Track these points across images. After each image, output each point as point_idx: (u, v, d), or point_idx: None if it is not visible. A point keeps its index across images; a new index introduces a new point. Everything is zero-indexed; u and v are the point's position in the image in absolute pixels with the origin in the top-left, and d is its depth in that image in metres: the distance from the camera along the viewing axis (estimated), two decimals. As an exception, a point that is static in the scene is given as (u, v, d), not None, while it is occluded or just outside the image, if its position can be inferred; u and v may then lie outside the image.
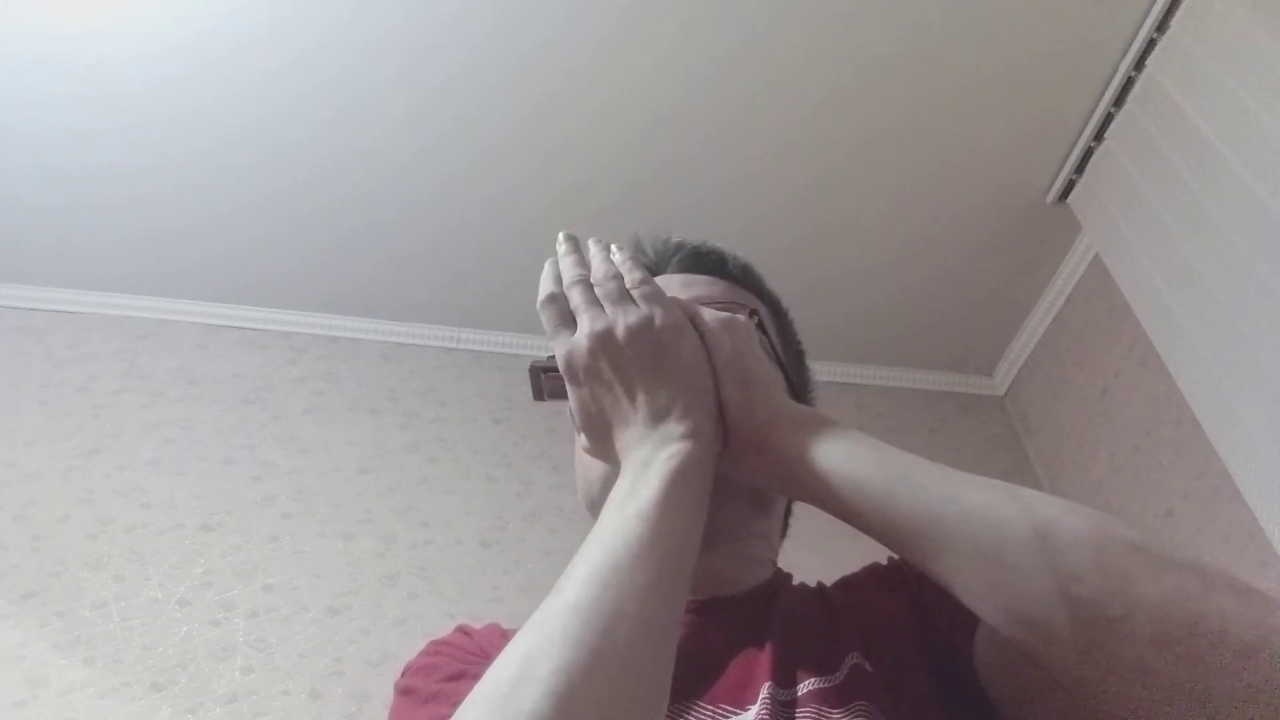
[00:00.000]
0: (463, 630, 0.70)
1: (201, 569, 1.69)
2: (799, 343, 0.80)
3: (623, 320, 0.58)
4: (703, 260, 0.77)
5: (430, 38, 1.78)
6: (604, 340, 0.58)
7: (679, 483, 0.54)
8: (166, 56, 1.79)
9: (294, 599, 1.67)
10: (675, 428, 0.56)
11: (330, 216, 2.01)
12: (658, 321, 0.59)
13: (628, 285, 0.61)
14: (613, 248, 0.66)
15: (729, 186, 1.98)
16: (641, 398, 0.57)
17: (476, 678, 0.47)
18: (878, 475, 0.52)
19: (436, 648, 0.68)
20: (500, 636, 0.66)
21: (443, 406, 2.07)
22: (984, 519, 0.48)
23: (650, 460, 0.55)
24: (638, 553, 0.50)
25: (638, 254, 0.77)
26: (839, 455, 0.54)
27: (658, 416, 0.57)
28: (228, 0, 1.73)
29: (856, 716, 0.54)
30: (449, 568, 1.76)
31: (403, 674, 0.66)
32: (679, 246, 0.78)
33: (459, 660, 0.64)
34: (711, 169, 1.95)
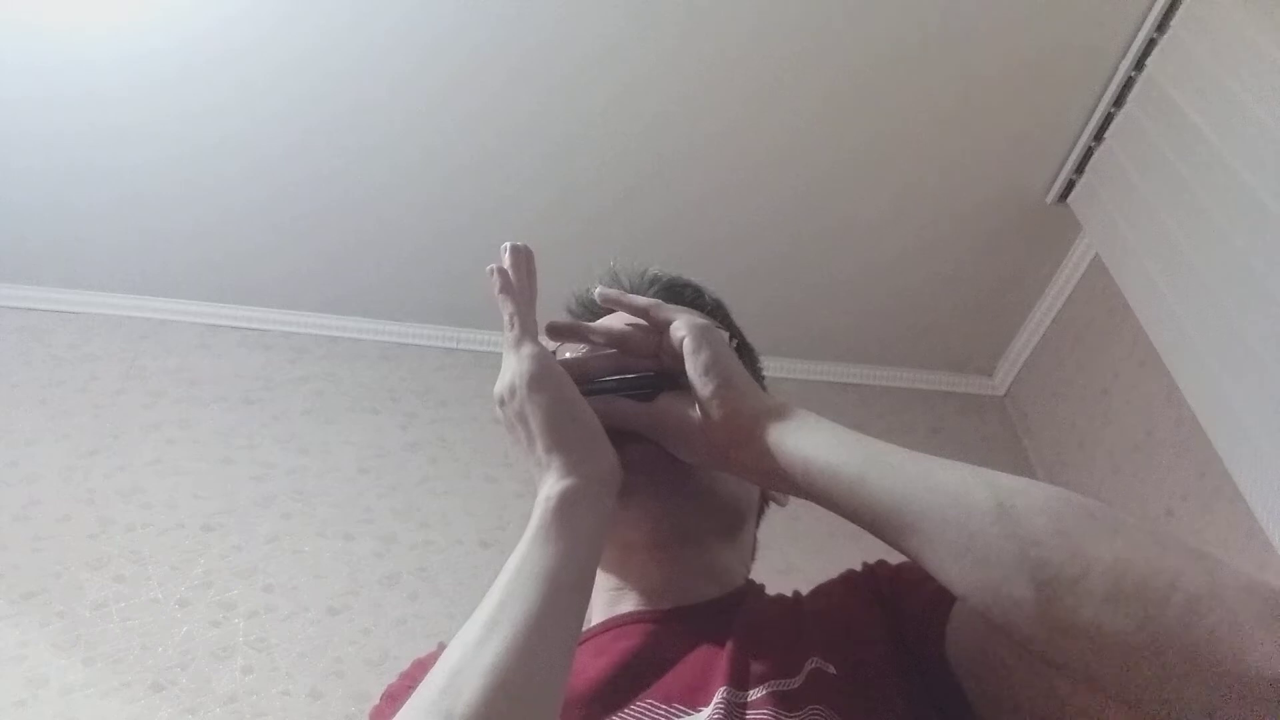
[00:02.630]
0: (442, 648, 0.70)
1: (201, 569, 1.69)
2: (763, 376, 0.82)
3: (501, 382, 0.63)
4: (678, 294, 0.79)
5: (431, 39, 1.78)
6: (499, 405, 0.64)
7: (547, 532, 0.57)
8: (166, 56, 1.79)
9: (294, 599, 1.67)
10: (549, 474, 0.60)
11: (330, 216, 2.02)
12: (517, 380, 0.62)
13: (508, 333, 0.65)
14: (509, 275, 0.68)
15: (729, 187, 1.98)
16: (529, 454, 0.62)
17: None
18: (852, 460, 0.55)
19: (412, 670, 0.68)
20: None
21: (443, 406, 2.07)
22: (951, 493, 0.51)
23: (535, 510, 0.59)
24: (493, 627, 0.53)
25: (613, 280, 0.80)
26: (815, 443, 0.57)
27: (538, 466, 0.61)
28: (228, 1, 1.73)
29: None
30: (449, 568, 1.76)
31: (380, 698, 0.67)
32: (655, 279, 0.80)
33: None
34: (712, 170, 1.95)
